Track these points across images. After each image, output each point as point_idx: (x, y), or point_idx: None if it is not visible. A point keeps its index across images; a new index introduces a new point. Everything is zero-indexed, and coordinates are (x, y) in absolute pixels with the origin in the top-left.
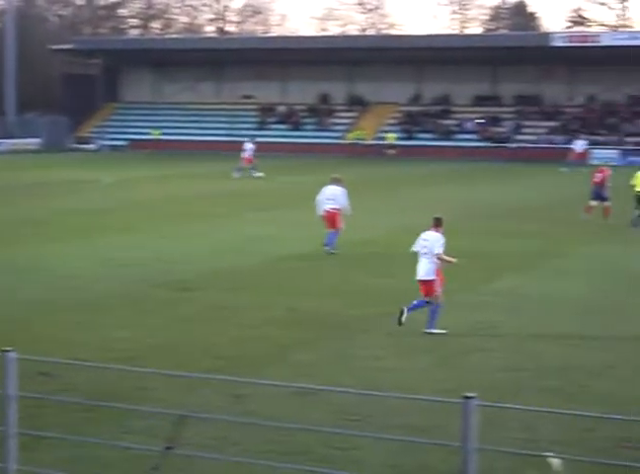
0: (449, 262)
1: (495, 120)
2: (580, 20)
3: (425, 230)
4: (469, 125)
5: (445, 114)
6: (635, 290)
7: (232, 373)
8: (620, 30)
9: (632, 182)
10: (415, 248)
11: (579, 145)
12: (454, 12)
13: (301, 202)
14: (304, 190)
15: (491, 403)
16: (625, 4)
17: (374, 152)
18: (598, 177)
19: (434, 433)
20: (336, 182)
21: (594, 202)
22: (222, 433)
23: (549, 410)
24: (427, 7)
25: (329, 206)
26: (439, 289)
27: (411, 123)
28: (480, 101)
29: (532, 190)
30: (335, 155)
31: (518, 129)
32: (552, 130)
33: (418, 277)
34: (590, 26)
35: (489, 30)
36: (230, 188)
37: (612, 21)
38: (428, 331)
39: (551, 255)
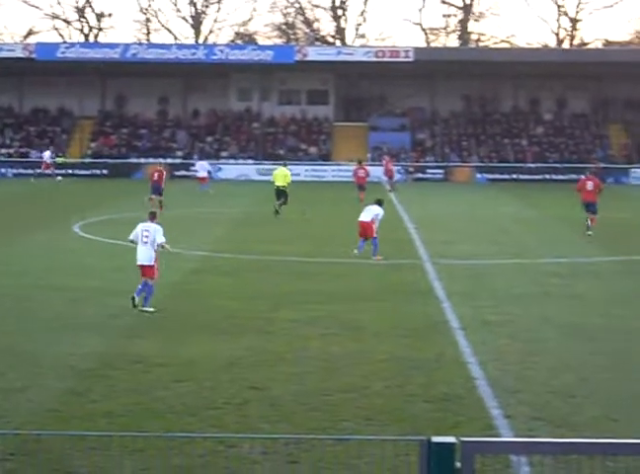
0: (168, 250)
1: None
2: None
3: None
4: None
5: None
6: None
7: None
8: None
9: (272, 178)
10: (131, 237)
11: (47, 156)
12: None
13: None
14: None
15: None
16: None
17: None
18: (156, 175)
19: None
20: None
21: (153, 196)
22: None
23: None
24: None
25: None
26: (157, 273)
27: None
28: None
29: None
30: None
31: None
32: None
33: (139, 263)
34: None
35: None
36: None
37: None
38: (143, 309)
39: None
